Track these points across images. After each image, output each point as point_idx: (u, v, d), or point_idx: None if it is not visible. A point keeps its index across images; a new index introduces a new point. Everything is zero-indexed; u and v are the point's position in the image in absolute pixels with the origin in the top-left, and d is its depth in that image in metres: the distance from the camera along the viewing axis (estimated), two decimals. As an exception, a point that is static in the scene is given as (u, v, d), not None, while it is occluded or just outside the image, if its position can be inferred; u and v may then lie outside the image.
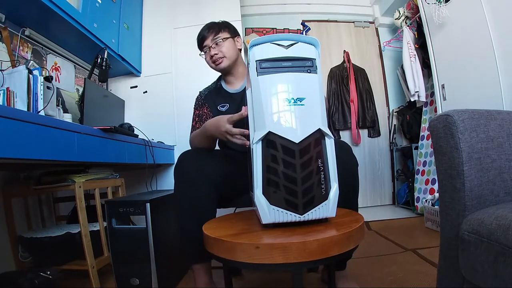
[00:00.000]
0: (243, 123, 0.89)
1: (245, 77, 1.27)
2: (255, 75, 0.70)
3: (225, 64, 1.21)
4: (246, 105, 0.81)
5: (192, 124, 1.26)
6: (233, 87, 1.27)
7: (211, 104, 1.26)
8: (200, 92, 1.33)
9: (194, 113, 1.29)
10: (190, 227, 0.98)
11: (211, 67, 1.25)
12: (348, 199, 0.96)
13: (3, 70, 1.25)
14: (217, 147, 1.32)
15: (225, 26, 1.24)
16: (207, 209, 1.00)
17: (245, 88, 1.25)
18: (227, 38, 1.21)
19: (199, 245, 0.88)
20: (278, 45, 0.72)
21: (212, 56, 1.20)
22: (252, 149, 0.68)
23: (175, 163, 1.04)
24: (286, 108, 0.67)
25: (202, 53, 1.25)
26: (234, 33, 1.25)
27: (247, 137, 0.84)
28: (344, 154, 0.98)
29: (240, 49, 1.28)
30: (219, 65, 1.21)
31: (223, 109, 1.24)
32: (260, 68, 0.71)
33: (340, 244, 0.63)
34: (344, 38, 3.21)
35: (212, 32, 1.20)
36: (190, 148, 1.18)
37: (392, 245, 1.65)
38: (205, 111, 1.27)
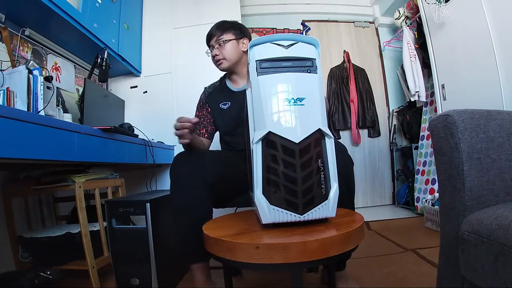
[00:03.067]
0: (243, 123, 0.89)
1: None
2: (255, 75, 0.71)
3: (224, 65, 1.25)
4: (246, 104, 0.80)
5: None
6: (236, 85, 1.30)
7: (214, 101, 1.30)
8: (205, 88, 1.36)
9: (195, 112, 1.33)
10: (186, 228, 0.98)
11: (215, 65, 1.29)
12: (345, 199, 0.96)
13: (3, 70, 1.25)
14: (212, 148, 1.33)
15: (232, 27, 1.25)
16: (203, 209, 1.00)
17: None
18: (229, 40, 1.23)
19: (196, 245, 0.88)
20: (278, 45, 0.72)
21: (214, 57, 1.26)
22: (252, 149, 0.68)
23: (171, 163, 1.04)
24: (286, 108, 0.68)
25: (209, 51, 1.29)
26: (240, 35, 1.26)
27: (195, 125, 0.95)
28: (339, 154, 0.97)
29: (246, 51, 1.27)
30: (219, 66, 1.27)
31: (225, 106, 1.27)
32: (260, 68, 0.71)
33: (340, 244, 0.63)
34: (344, 38, 3.21)
35: (217, 32, 1.24)
36: None
37: (392, 245, 1.65)
38: (204, 113, 1.30)
